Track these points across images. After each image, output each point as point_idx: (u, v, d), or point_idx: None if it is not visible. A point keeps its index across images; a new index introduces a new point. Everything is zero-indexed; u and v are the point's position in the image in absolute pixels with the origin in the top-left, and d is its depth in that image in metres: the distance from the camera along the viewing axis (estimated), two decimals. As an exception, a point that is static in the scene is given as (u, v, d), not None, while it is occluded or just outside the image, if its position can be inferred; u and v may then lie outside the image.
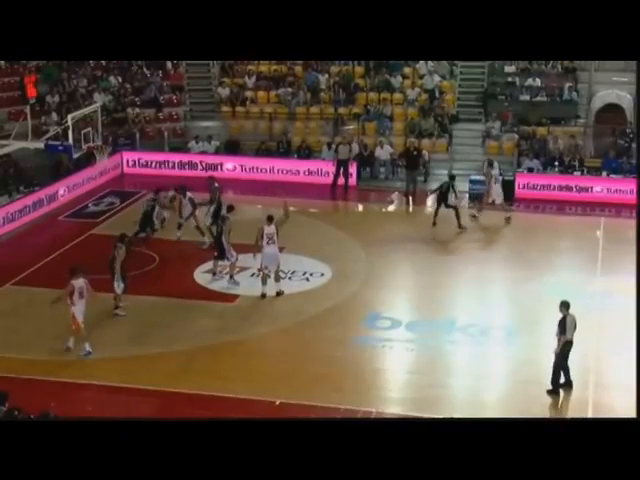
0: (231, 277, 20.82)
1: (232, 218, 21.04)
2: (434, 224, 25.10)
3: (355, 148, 30.36)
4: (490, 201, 25.99)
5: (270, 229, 19.98)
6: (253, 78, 34.18)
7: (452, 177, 26.13)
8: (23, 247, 24.59)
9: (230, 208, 21.46)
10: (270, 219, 20.16)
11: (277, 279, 20.12)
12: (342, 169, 28.87)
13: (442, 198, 25.32)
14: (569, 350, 15.84)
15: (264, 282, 20.02)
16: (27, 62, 32.74)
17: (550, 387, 15.82)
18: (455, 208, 25.25)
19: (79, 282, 17.14)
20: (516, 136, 30.59)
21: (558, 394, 15.78)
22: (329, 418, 14.01)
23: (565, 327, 15.73)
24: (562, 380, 15.86)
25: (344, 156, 28.93)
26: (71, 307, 17.09)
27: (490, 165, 26.44)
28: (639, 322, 9.68)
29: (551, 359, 17.09)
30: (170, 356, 17.41)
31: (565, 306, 15.96)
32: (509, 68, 32.78)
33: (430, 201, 26.31)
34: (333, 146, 30.33)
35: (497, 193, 26.06)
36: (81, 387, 16.19)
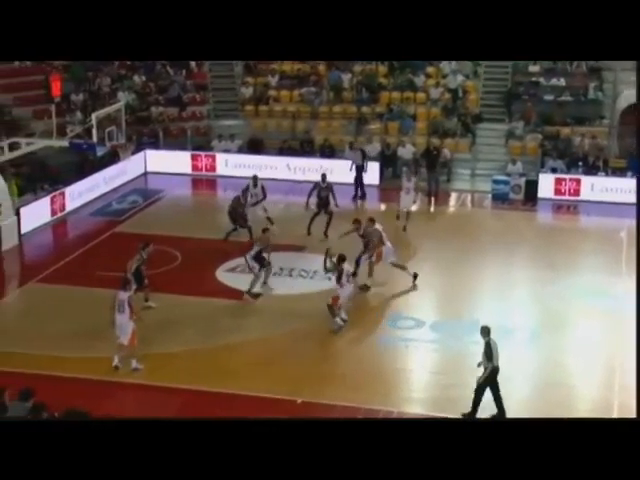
0: (250, 292, 20.27)
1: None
2: (309, 234, 23.99)
3: (377, 147, 30.39)
4: (401, 209, 24.85)
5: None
6: (276, 77, 34.20)
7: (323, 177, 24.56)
8: (46, 245, 24.78)
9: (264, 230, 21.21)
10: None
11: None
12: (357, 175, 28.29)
13: (323, 204, 24.06)
14: (496, 376, 14.87)
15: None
16: (52, 61, 32.94)
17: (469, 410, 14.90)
18: (330, 215, 23.94)
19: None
20: (540, 136, 30.42)
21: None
22: (348, 418, 13.98)
23: (491, 353, 14.75)
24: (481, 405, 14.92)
25: (358, 162, 28.39)
26: (130, 322, 16.53)
27: (407, 177, 25.40)
28: (639, 322, 9.66)
29: (576, 361, 17.09)
30: (192, 355, 17.42)
31: (486, 332, 14.97)
32: (533, 68, 32.61)
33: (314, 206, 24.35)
34: (357, 145, 30.33)
35: (407, 202, 24.83)
36: (104, 385, 16.23)
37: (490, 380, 14.83)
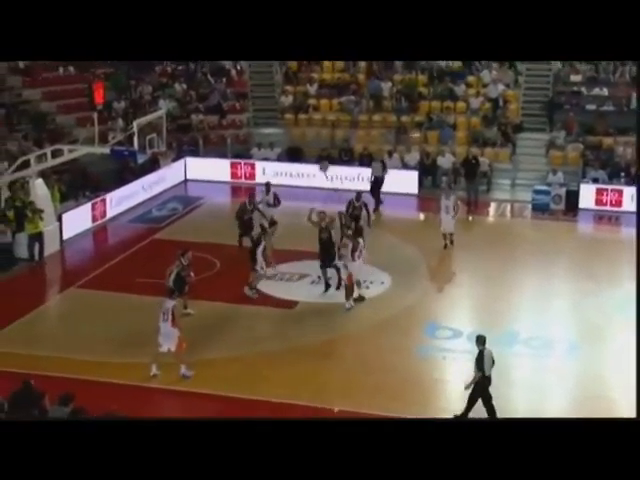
0: (252, 287, 20.50)
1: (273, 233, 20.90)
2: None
3: (415, 157, 30.36)
4: (442, 231, 23.74)
5: None
6: (316, 86, 34.27)
7: (359, 194, 23.87)
8: (88, 251, 25.05)
9: (272, 223, 21.40)
10: None
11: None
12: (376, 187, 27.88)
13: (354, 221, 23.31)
14: (487, 386, 14.82)
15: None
16: (95, 69, 33.35)
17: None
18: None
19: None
20: (581, 146, 30.19)
21: None
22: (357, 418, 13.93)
23: (482, 362, 14.75)
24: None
25: (378, 173, 28.07)
26: (174, 329, 16.56)
27: (445, 194, 24.25)
28: (639, 323, 9.62)
29: (616, 374, 16.90)
30: (229, 362, 17.48)
31: (481, 341, 14.93)
32: (575, 77, 32.39)
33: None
34: (395, 155, 30.31)
35: (448, 224, 23.73)
36: (143, 390, 16.33)
37: (481, 389, 14.76)
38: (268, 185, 24.83)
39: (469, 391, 14.93)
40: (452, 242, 23.87)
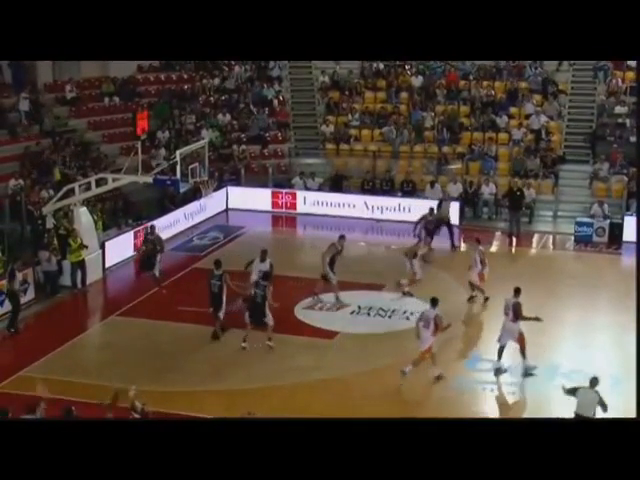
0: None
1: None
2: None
3: (459, 188, 30.26)
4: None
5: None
6: (357, 116, 34.37)
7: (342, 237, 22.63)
8: (129, 278, 25.22)
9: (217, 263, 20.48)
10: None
11: None
12: (447, 228, 26.95)
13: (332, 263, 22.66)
14: None
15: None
16: (140, 99, 33.79)
17: None
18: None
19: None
20: (625, 178, 29.90)
21: None
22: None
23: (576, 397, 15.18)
24: None
25: (446, 214, 27.19)
26: (431, 337, 17.64)
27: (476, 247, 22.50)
28: (639, 324, 9.60)
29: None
30: (269, 391, 17.47)
31: (593, 383, 15.49)
32: (620, 109, 32.13)
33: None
34: (437, 185, 30.18)
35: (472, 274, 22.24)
36: (178, 418, 16.35)
37: None
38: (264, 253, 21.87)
39: None
40: (486, 299, 22.06)
